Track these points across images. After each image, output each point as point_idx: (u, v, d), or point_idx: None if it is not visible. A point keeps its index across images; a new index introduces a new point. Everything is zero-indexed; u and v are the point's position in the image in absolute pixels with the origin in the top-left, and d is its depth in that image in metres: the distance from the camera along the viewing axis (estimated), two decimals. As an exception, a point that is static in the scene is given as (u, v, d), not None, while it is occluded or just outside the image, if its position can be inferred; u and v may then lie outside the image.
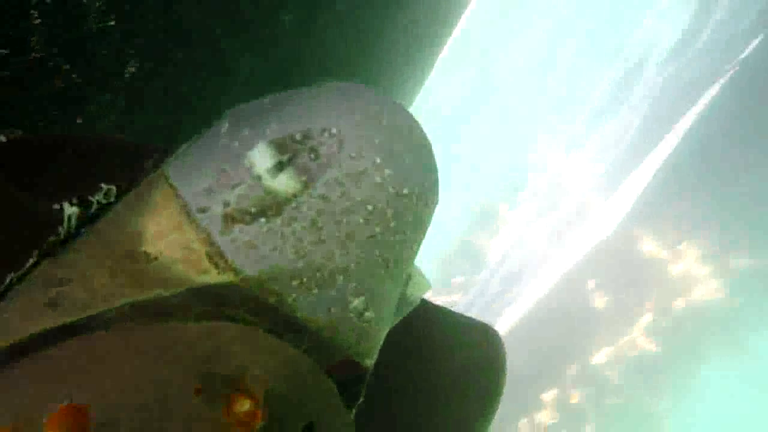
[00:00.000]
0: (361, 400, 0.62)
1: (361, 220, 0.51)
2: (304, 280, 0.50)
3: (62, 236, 0.50)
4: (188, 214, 0.49)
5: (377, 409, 0.69)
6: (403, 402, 0.74)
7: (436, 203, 0.58)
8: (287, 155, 0.51)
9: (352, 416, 0.61)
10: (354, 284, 0.52)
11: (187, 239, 0.48)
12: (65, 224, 0.50)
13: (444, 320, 0.86)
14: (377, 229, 0.52)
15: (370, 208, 0.51)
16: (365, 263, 0.52)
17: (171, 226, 0.48)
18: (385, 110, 0.54)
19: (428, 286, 0.65)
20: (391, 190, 0.52)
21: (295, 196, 0.50)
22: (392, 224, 0.52)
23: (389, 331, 0.67)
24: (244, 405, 0.45)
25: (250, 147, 0.50)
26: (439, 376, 0.77)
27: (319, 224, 0.50)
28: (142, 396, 0.42)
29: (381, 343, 0.59)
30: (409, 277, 0.60)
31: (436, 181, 0.57)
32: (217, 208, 0.49)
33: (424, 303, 0.84)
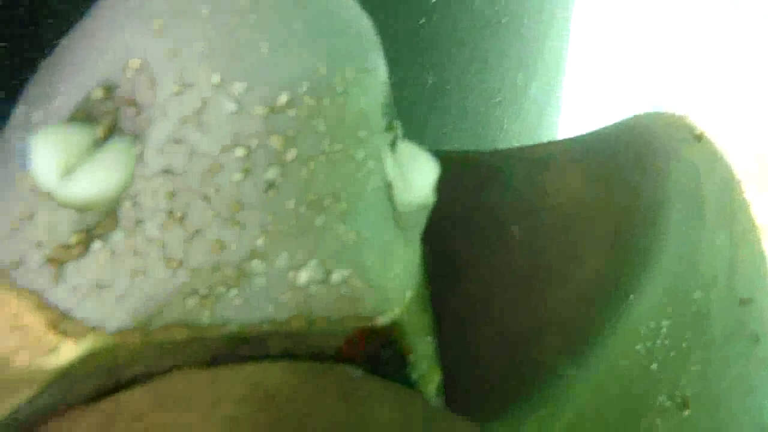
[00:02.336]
0: (410, 355, 0.46)
1: (238, 176, 0.33)
2: (203, 291, 0.33)
3: None
4: (2, 276, 0.33)
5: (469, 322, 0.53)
6: (497, 295, 0.56)
7: (371, 67, 0.37)
8: (101, 129, 0.33)
9: (414, 376, 0.47)
10: (285, 255, 0.35)
11: (12, 315, 0.32)
12: None
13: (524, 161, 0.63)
14: (270, 174, 0.33)
15: (240, 152, 0.32)
16: (281, 226, 0.34)
17: None
18: None
19: (433, 171, 0.43)
20: (259, 110, 0.32)
21: (125, 188, 0.32)
22: (290, 154, 0.34)
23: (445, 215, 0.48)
24: None
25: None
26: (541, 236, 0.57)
27: (179, 213, 0.32)
28: None
29: (402, 280, 0.43)
30: (388, 184, 0.41)
31: (351, 39, 0.36)
32: (34, 253, 0.32)
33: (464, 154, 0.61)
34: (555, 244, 0.53)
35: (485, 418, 0.53)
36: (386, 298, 0.41)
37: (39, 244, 0.32)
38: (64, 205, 0.31)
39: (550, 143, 0.60)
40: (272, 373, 0.37)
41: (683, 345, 0.62)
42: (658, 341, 0.59)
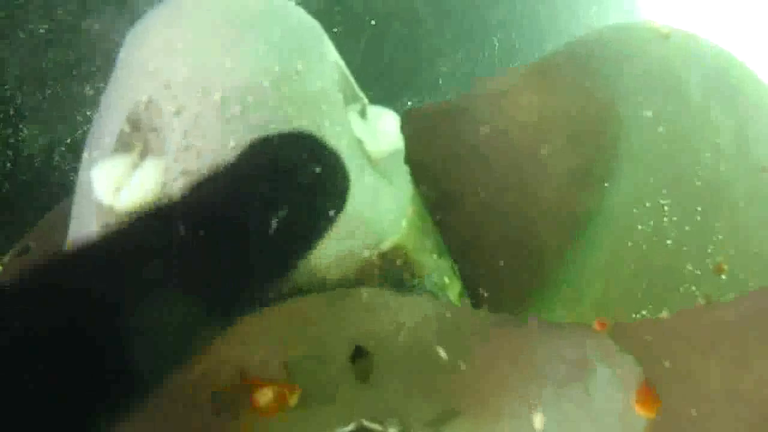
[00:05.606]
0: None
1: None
2: None
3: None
4: None
5: None
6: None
7: (317, 56, 0.46)
8: (135, 154, 0.45)
9: (428, 286, 0.57)
10: None
11: None
12: None
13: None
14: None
15: (232, 143, 0.43)
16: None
17: None
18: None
19: (394, 123, 0.54)
20: (236, 110, 0.42)
21: (160, 191, 0.44)
22: (271, 102, 0.44)
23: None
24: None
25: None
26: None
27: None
28: None
29: (393, 212, 0.53)
30: (358, 140, 0.51)
31: (297, 40, 0.45)
32: None
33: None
34: (523, 153, 0.61)
35: (512, 310, 0.62)
36: (383, 228, 0.51)
37: None
38: (121, 212, 0.43)
39: (508, 71, 0.67)
40: (305, 302, 0.49)
41: (697, 218, 0.67)
42: (665, 219, 0.65)
